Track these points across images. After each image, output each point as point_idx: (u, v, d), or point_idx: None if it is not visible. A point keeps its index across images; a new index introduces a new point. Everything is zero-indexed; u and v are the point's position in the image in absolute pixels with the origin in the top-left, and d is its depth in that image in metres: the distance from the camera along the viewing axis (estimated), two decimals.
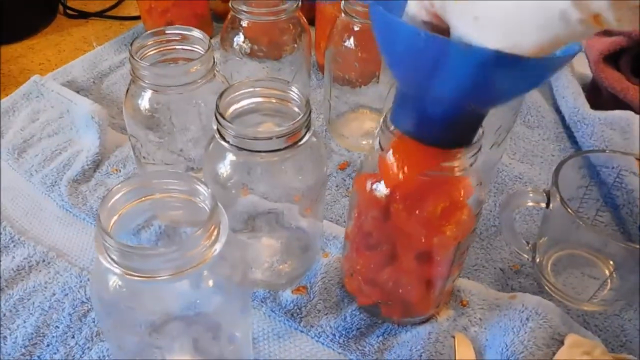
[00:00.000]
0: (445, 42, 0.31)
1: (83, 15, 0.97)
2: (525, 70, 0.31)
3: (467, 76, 0.31)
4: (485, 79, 0.31)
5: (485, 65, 0.30)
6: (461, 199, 0.41)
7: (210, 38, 0.53)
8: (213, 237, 0.34)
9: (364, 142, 0.68)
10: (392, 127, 0.39)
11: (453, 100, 0.33)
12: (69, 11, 0.97)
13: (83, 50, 0.88)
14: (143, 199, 0.36)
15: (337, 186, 0.64)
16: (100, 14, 0.97)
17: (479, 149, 0.39)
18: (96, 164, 0.65)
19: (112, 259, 0.33)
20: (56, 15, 0.97)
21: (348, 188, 0.64)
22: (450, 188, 0.41)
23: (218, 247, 0.34)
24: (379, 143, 0.41)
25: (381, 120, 0.40)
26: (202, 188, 0.36)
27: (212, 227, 0.34)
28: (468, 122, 0.37)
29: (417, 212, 0.41)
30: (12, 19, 0.89)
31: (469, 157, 0.38)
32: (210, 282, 0.37)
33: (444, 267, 0.46)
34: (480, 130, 0.38)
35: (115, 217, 0.35)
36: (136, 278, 0.33)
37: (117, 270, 0.33)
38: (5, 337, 0.49)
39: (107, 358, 0.47)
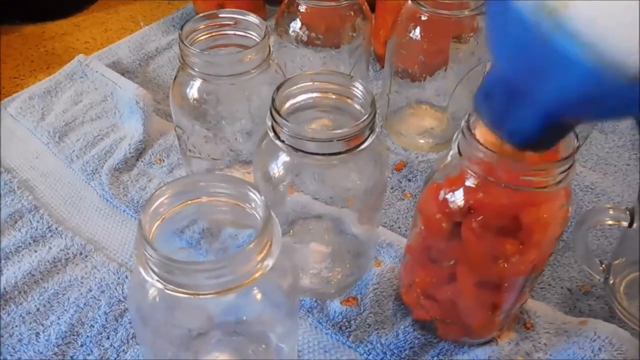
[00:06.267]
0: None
1: None
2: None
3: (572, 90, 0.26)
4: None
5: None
6: (543, 219, 0.36)
7: None
8: (265, 251, 0.31)
9: (421, 141, 0.64)
10: (476, 133, 0.34)
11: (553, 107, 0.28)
12: None
13: (130, 30, 0.85)
14: (189, 202, 0.33)
15: (392, 188, 0.59)
16: None
17: (572, 165, 0.34)
18: (139, 152, 0.61)
19: (153, 271, 0.30)
20: None
21: (404, 191, 0.59)
22: (532, 207, 0.36)
23: (270, 262, 0.31)
24: (458, 149, 0.36)
25: (462, 123, 0.35)
26: (253, 194, 0.32)
27: (265, 241, 0.30)
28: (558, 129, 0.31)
29: (489, 230, 0.36)
30: None
31: (559, 172, 0.34)
32: (259, 296, 0.34)
33: (512, 294, 0.41)
34: (575, 143, 0.33)
35: (158, 222, 0.32)
36: (178, 294, 0.29)
37: (158, 284, 0.29)
38: (38, 333, 0.46)
39: None
